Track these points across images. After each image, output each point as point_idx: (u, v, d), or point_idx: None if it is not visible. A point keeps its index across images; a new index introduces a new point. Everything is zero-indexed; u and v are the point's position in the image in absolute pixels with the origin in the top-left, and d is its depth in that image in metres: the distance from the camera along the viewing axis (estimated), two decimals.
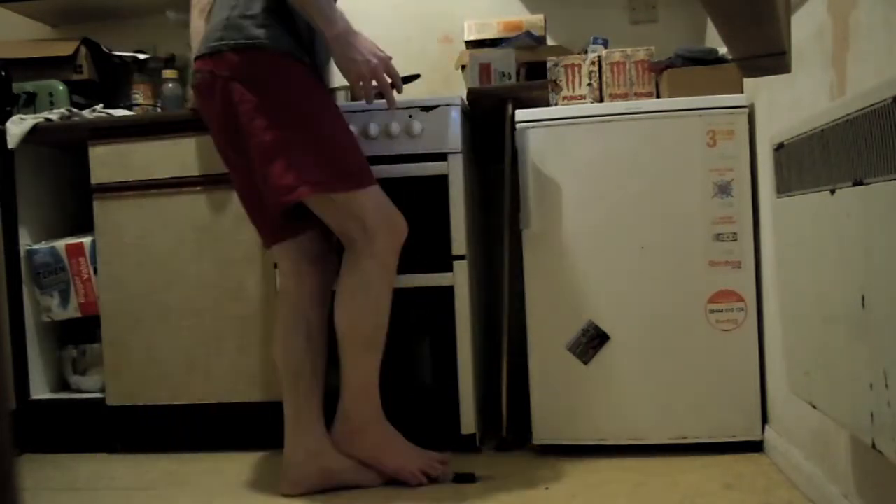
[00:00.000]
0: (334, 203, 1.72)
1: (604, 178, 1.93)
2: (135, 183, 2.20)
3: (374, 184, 1.76)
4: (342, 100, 2.26)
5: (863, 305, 1.01)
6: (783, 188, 1.35)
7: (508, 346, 2.02)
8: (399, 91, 1.79)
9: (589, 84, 2.07)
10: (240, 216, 1.98)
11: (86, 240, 2.29)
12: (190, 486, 1.89)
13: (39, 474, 2.06)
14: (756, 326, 1.88)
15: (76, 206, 2.44)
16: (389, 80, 1.76)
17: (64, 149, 2.43)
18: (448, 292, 1.99)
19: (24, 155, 2.30)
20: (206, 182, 2.17)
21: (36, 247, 2.32)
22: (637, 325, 1.92)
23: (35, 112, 2.34)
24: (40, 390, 2.34)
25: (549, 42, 2.42)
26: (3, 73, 2.35)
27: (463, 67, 2.29)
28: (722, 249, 1.89)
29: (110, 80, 2.64)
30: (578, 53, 2.19)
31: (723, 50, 1.99)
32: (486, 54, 2.19)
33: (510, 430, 2.02)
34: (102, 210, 2.23)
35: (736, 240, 1.88)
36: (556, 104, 2.07)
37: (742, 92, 1.93)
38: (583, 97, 2.07)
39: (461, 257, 1.99)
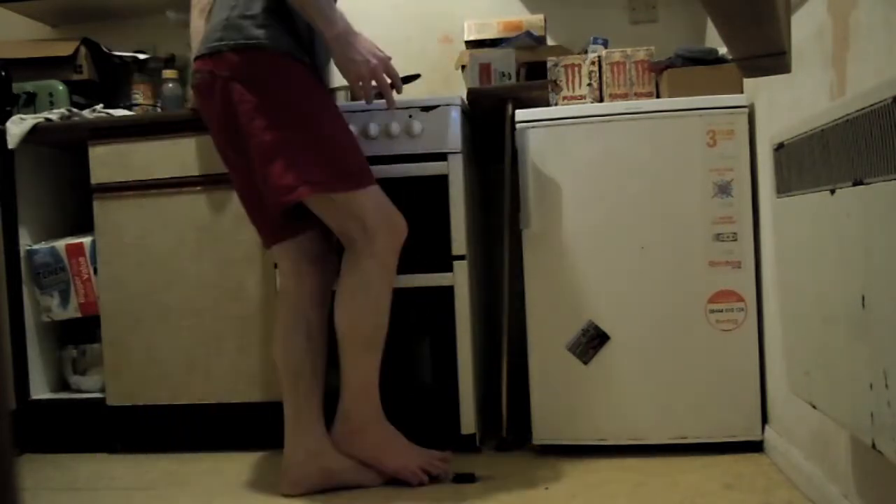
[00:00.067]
0: (334, 203, 1.72)
1: (604, 178, 1.93)
2: (135, 183, 2.20)
3: (373, 184, 1.76)
4: (342, 100, 2.27)
5: (863, 305, 1.01)
6: (783, 188, 1.35)
7: (508, 346, 2.02)
8: (399, 91, 1.79)
9: (589, 84, 2.07)
10: (240, 216, 1.98)
11: (86, 240, 2.29)
12: (190, 486, 1.89)
13: (39, 474, 2.06)
14: (756, 326, 1.88)
15: (76, 206, 2.44)
16: (389, 81, 1.76)
17: (64, 149, 2.43)
18: (448, 292, 1.99)
19: (24, 155, 2.30)
20: (206, 182, 2.17)
21: (36, 247, 2.32)
22: (637, 325, 1.92)
23: (35, 112, 2.34)
24: (40, 390, 2.34)
25: (549, 42, 2.42)
26: (3, 73, 2.35)
27: (463, 67, 2.29)
28: (722, 249, 1.89)
29: (110, 80, 2.64)
30: (578, 53, 2.19)
31: (723, 50, 1.99)
32: (486, 54, 2.19)
33: (510, 430, 2.02)
34: (102, 210, 2.23)
35: (736, 240, 1.88)
36: (556, 104, 2.07)
37: (742, 92, 1.93)
38: (583, 97, 2.07)
39: (461, 257, 1.99)
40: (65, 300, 2.31)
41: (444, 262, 1.99)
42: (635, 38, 2.41)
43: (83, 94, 2.51)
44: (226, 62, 1.69)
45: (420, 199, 1.97)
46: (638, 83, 2.05)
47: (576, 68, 2.08)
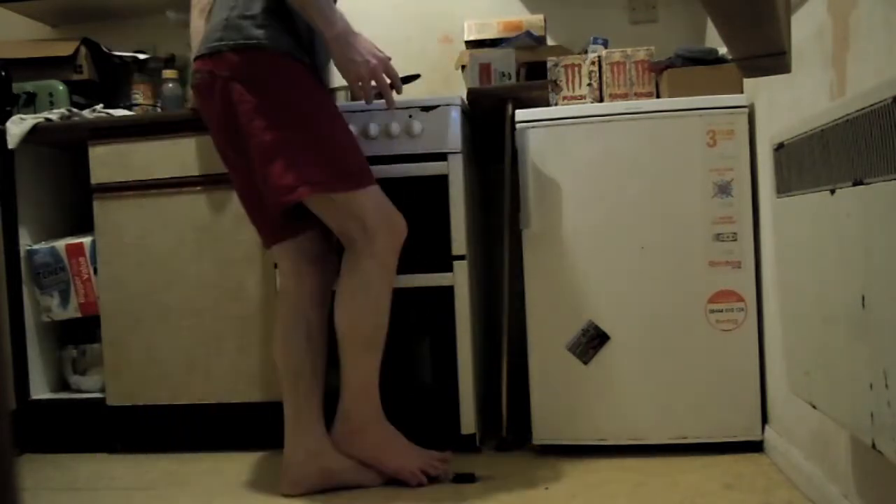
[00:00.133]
0: (334, 203, 1.73)
1: (604, 178, 1.93)
2: (135, 183, 2.20)
3: (373, 184, 1.76)
4: (342, 100, 2.26)
5: (863, 305, 1.01)
6: (783, 188, 1.35)
7: (508, 346, 2.02)
8: (398, 91, 1.79)
9: (589, 84, 2.07)
10: (240, 216, 1.98)
11: (86, 240, 2.29)
12: (190, 486, 1.89)
13: (39, 474, 2.06)
14: (756, 326, 1.88)
15: (76, 206, 2.44)
16: (389, 81, 1.76)
17: (64, 149, 2.43)
18: (448, 292, 1.99)
19: (24, 155, 2.30)
20: (206, 182, 2.17)
21: (36, 247, 2.32)
22: (637, 325, 1.92)
23: (35, 112, 2.34)
24: (40, 390, 2.34)
25: (549, 42, 2.42)
26: (3, 73, 2.35)
27: (463, 67, 2.29)
28: (722, 249, 1.89)
29: (110, 80, 2.64)
30: (578, 53, 2.19)
31: (723, 50, 1.99)
32: (486, 54, 2.19)
33: (510, 430, 2.02)
34: (102, 210, 2.23)
35: (736, 240, 1.88)
36: (556, 104, 2.07)
37: (742, 92, 1.93)
38: (583, 97, 2.07)
39: (461, 257, 1.99)
40: (65, 300, 2.31)
41: (444, 262, 1.99)
42: (635, 38, 2.41)
43: (83, 94, 2.51)
44: (226, 62, 1.69)
45: (420, 199, 1.97)
46: (638, 83, 2.05)
47: (576, 68, 2.08)
